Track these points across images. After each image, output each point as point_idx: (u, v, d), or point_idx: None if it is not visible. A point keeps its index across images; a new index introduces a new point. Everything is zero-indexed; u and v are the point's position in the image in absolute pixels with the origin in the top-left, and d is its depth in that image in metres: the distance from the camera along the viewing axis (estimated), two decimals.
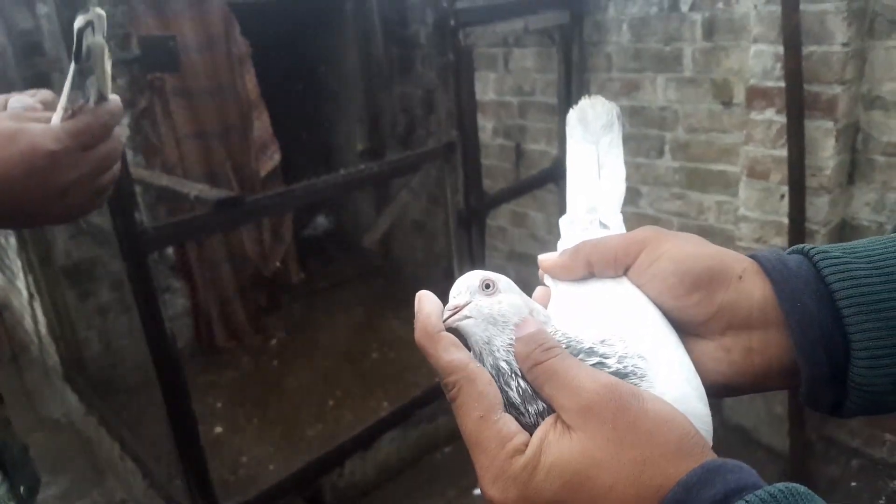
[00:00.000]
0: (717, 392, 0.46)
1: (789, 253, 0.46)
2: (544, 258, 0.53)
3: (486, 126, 3.39)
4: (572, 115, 0.59)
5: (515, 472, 0.38)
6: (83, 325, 3.15)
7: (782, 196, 2.36)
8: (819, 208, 2.31)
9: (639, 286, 0.48)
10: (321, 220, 4.70)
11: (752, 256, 0.46)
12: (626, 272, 0.49)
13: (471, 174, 2.66)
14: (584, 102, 0.59)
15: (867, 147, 2.29)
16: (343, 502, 2.60)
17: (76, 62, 0.62)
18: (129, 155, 2.85)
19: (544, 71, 3.14)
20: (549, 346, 0.41)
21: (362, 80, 3.98)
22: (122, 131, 0.73)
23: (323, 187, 2.39)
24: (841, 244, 0.45)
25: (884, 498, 2.39)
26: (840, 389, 0.43)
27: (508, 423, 0.40)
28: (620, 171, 0.58)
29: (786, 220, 2.35)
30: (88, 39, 0.61)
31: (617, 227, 0.55)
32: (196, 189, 2.41)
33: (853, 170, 2.34)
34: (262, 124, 3.46)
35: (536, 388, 0.41)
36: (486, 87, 3.36)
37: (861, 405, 0.42)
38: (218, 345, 3.53)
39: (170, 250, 3.26)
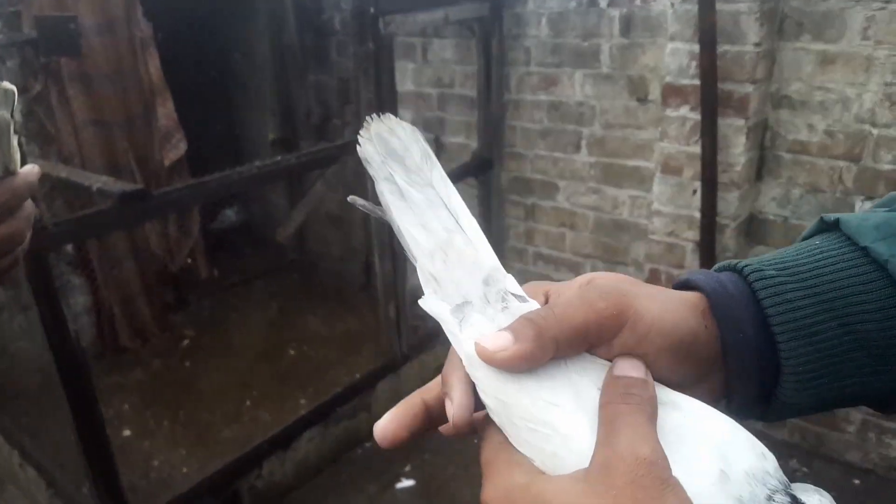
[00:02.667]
0: None
1: (720, 269, 0.45)
2: (487, 346, 0.39)
3: (404, 117, 3.31)
4: (371, 151, 0.44)
5: (510, 484, 0.37)
6: None
7: (694, 191, 2.44)
8: (729, 203, 2.40)
9: None
10: (230, 214, 4.53)
11: (691, 282, 0.44)
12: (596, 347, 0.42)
13: None
14: (378, 128, 0.45)
15: (774, 144, 2.40)
16: None
17: None
18: (23, 143, 2.63)
19: (464, 63, 3.13)
20: (634, 392, 0.38)
21: (274, 67, 3.85)
22: (30, 210, 0.64)
23: (237, 179, 2.29)
24: (769, 257, 0.44)
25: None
26: (766, 402, 0.44)
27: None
28: (469, 215, 0.45)
29: (697, 215, 2.43)
30: None
31: (524, 294, 0.44)
32: (98, 181, 2.25)
33: (761, 166, 2.45)
34: (166, 111, 3.28)
35: (601, 420, 0.37)
36: (405, 78, 3.31)
37: (782, 415, 0.44)
38: (122, 345, 3.34)
39: (69, 245, 3.06)
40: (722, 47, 2.22)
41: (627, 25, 2.62)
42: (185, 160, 3.37)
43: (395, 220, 0.44)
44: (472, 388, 0.40)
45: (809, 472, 2.54)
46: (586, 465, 0.36)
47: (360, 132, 0.45)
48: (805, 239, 0.47)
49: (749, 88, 2.24)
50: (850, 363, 0.41)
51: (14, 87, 0.53)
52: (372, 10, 2.39)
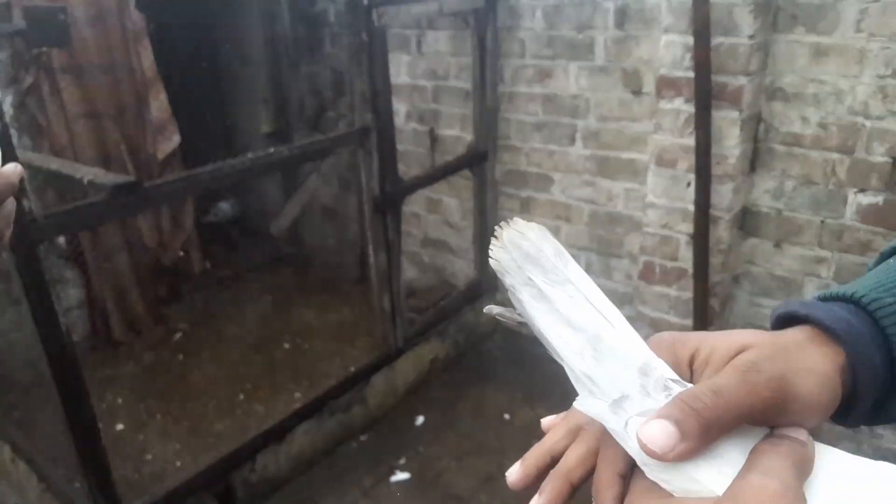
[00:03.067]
0: None
1: (826, 298, 0.45)
2: (655, 449, 0.37)
3: (399, 110, 3.33)
4: (506, 259, 0.44)
5: None
6: None
7: (689, 184, 2.44)
8: (723, 195, 2.40)
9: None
10: (225, 207, 4.51)
11: (824, 327, 0.43)
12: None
13: (386, 159, 2.61)
14: (510, 234, 0.44)
15: (768, 136, 2.40)
16: (256, 497, 2.52)
17: None
18: (14, 136, 2.61)
19: (458, 55, 3.12)
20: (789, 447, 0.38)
21: (267, 59, 3.83)
22: (10, 209, 0.63)
23: (229, 172, 2.28)
24: (876, 282, 0.44)
25: None
26: (873, 416, 0.45)
27: None
28: (611, 306, 0.45)
29: (691, 207, 2.43)
30: None
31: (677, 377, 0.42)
32: (90, 173, 2.24)
33: (755, 158, 2.45)
34: (159, 104, 3.27)
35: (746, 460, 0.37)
36: (399, 70, 3.30)
37: (875, 422, 0.46)
38: (115, 338, 3.33)
39: (61, 238, 3.04)
40: (716, 39, 2.22)
41: (622, 18, 2.61)
42: (178, 152, 3.36)
43: (537, 323, 0.43)
44: (623, 492, 0.40)
45: None
46: None
47: (492, 244, 0.44)
48: (881, 262, 0.48)
49: (743, 80, 2.24)
50: None
51: None
52: (365, 1, 2.38)
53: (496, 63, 2.98)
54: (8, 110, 2.77)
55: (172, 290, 3.69)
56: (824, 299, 0.45)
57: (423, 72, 3.29)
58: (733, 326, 2.68)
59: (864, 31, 2.12)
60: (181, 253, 3.59)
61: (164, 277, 3.63)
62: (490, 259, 0.44)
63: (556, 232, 3.15)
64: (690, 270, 2.52)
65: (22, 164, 2.02)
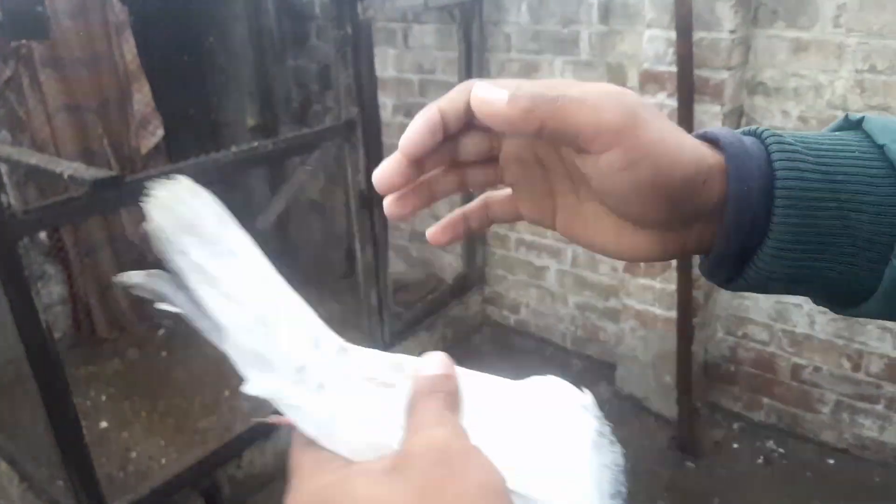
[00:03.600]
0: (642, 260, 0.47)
1: (743, 133, 0.45)
2: (483, 94, 0.40)
3: (386, 103, 3.33)
4: (159, 221, 0.39)
5: (318, 485, 0.38)
6: None
7: None
8: None
9: (594, 178, 0.41)
10: None
11: (713, 138, 0.44)
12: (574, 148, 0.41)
13: (372, 153, 2.61)
14: (163, 197, 0.39)
15: None
16: (243, 494, 2.52)
17: None
18: None
19: (445, 49, 3.12)
20: (436, 389, 0.40)
21: (253, 52, 3.81)
22: None
23: (214, 165, 2.27)
24: (794, 131, 0.45)
25: (762, 457, 2.59)
26: (739, 267, 0.44)
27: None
28: (278, 276, 0.42)
29: None
30: None
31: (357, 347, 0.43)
32: (70, 168, 2.22)
33: None
34: (142, 97, 3.24)
35: (406, 416, 0.39)
36: (386, 64, 3.30)
37: (751, 284, 0.44)
38: (99, 335, 3.31)
39: (42, 234, 3.01)
40: (698, 34, 2.24)
41: (606, 13, 2.63)
42: (162, 146, 3.34)
43: (196, 298, 0.40)
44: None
45: (785, 451, 2.60)
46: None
47: (144, 200, 0.38)
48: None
49: (724, 75, 2.27)
50: (833, 247, 0.42)
51: None
52: None
53: (482, 57, 2.99)
54: None
55: None
56: (742, 133, 0.45)
57: (409, 65, 3.29)
58: (718, 318, 2.72)
59: (842, 27, 2.15)
60: None
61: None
62: (146, 225, 0.39)
63: None
64: (674, 262, 2.55)
65: (1, 157, 1.99)
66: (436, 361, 0.42)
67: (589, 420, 0.42)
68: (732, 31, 2.21)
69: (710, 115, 2.33)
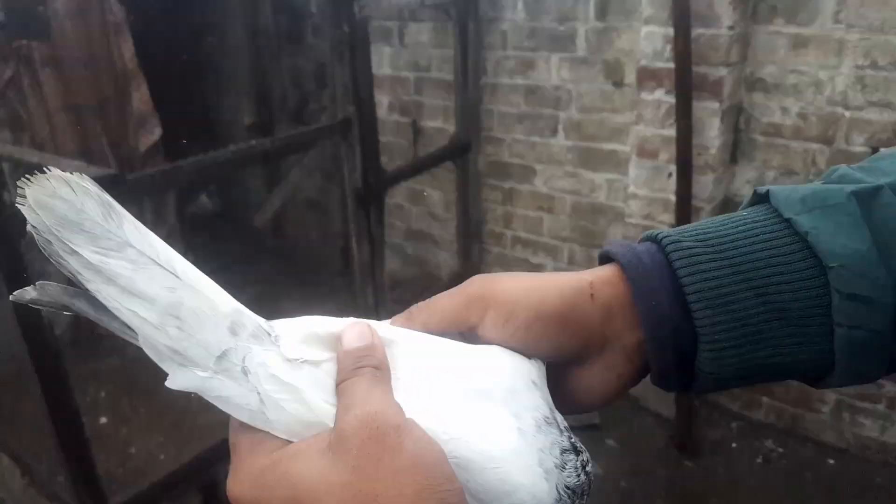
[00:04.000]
0: (612, 402, 0.48)
1: (644, 239, 0.47)
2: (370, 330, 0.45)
3: (381, 101, 3.32)
4: (42, 226, 0.36)
5: (256, 468, 0.38)
6: None
7: (670, 174, 2.45)
8: (704, 186, 2.41)
9: (501, 342, 0.44)
10: (207, 199, 4.48)
11: (607, 253, 0.46)
12: (467, 330, 0.45)
13: (368, 151, 2.59)
14: (36, 194, 0.36)
15: (749, 127, 2.41)
16: None
17: None
18: None
19: (440, 46, 3.11)
20: (361, 364, 0.40)
21: (249, 51, 3.80)
22: None
23: (211, 164, 2.26)
24: (692, 227, 0.45)
25: (761, 456, 2.57)
26: (689, 374, 0.45)
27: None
28: (183, 261, 0.40)
29: (673, 198, 2.44)
30: None
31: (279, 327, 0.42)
32: (70, 166, 2.22)
33: (736, 149, 2.46)
34: (140, 97, 3.23)
35: (338, 396, 0.40)
36: (382, 62, 3.28)
37: (707, 388, 0.45)
38: (98, 332, 3.30)
39: None
40: (696, 30, 2.22)
41: (603, 9, 2.61)
42: (160, 145, 3.33)
43: (97, 300, 0.37)
44: None
45: (785, 451, 2.58)
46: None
47: (18, 200, 0.35)
48: (745, 209, 0.48)
49: (723, 71, 2.25)
50: (769, 333, 0.42)
51: None
52: None
53: (478, 54, 2.97)
54: None
55: None
56: (644, 239, 0.46)
57: (405, 63, 3.28)
58: None
59: (842, 23, 2.13)
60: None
61: None
62: (28, 228, 0.36)
63: (539, 223, 3.16)
64: None
65: (2, 157, 1.99)
66: (357, 334, 0.42)
67: (535, 395, 0.42)
68: (731, 28, 2.19)
69: (708, 112, 2.31)
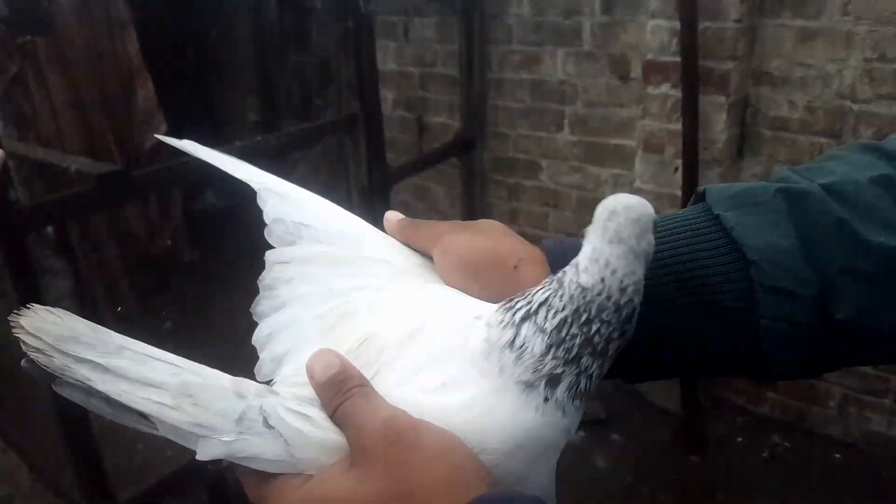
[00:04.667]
0: None
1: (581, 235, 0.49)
2: (391, 215, 0.57)
3: (386, 97, 3.31)
4: (44, 348, 0.40)
5: (293, 499, 0.39)
6: None
7: (676, 169, 2.44)
8: (711, 181, 2.40)
9: (439, 275, 0.51)
10: (212, 196, 4.49)
11: (539, 244, 0.50)
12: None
13: (374, 147, 2.59)
14: (31, 322, 0.40)
15: (755, 121, 2.40)
16: None
17: None
18: (0, 127, 2.59)
19: (445, 42, 3.10)
20: (346, 388, 0.41)
21: (254, 47, 3.80)
22: None
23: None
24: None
25: (767, 451, 2.57)
26: (622, 363, 0.47)
27: None
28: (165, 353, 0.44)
29: (679, 193, 2.44)
30: None
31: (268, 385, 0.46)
32: (76, 162, 2.23)
33: (742, 143, 2.45)
34: (146, 93, 3.24)
35: (339, 425, 0.41)
36: (386, 57, 3.28)
37: (640, 375, 0.48)
38: (106, 328, 3.32)
39: (49, 228, 3.02)
40: (703, 24, 2.21)
41: (609, 3, 2.60)
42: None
43: (109, 397, 0.40)
44: None
45: (791, 446, 2.58)
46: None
47: (16, 332, 0.39)
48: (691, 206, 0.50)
49: (730, 65, 2.24)
50: (694, 325, 0.43)
51: None
52: None
53: (483, 49, 2.96)
54: None
55: (161, 280, 3.68)
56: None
57: (410, 59, 3.27)
58: None
59: (850, 15, 2.12)
60: (169, 242, 3.57)
61: (153, 267, 3.61)
62: (27, 351, 0.39)
63: (544, 218, 3.16)
64: None
65: (8, 153, 1.99)
66: (323, 365, 0.42)
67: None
68: (738, 21, 2.18)
69: (715, 106, 2.30)
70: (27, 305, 0.41)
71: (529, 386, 0.39)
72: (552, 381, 0.39)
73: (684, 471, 2.51)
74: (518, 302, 0.41)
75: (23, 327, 0.40)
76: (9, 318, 0.39)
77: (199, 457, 0.41)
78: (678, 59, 2.27)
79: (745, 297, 0.42)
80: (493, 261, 0.48)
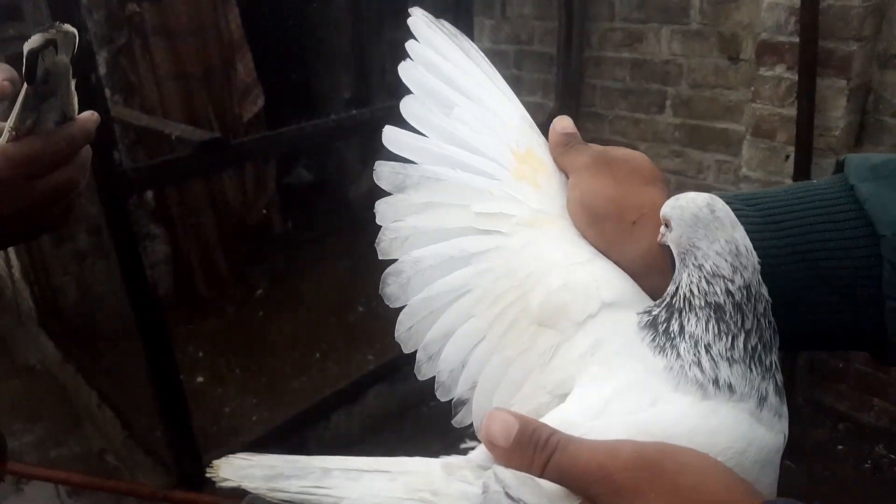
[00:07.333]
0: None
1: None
2: (557, 124, 0.57)
3: None
4: (257, 480, 0.43)
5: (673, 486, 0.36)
6: (59, 270, 3.04)
7: (787, 156, 2.30)
8: (824, 170, 2.25)
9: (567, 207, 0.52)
10: (305, 170, 4.58)
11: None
12: None
13: None
14: (232, 469, 0.43)
15: (878, 108, 2.23)
16: (328, 454, 2.56)
17: (29, 84, 0.52)
18: (107, 93, 2.70)
19: (544, 18, 3.02)
20: (541, 441, 0.39)
21: (351, 23, 3.82)
22: (86, 157, 0.62)
23: (312, 132, 2.29)
24: (759, 191, 0.46)
25: (870, 462, 2.41)
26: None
27: None
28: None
29: (789, 182, 2.29)
30: (48, 60, 0.50)
31: None
32: (178, 129, 2.30)
33: (861, 131, 2.28)
34: (245, 66, 3.32)
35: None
36: (482, 35, 3.22)
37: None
38: (199, 294, 3.44)
39: (149, 195, 3.15)
40: (825, 2, 2.06)
41: None
42: (262, 115, 3.41)
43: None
44: None
45: None
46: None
47: (224, 484, 0.42)
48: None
49: (853, 46, 2.08)
50: (813, 297, 0.41)
51: (75, 30, 0.51)
52: None
53: (583, 26, 2.87)
54: (102, 68, 2.86)
55: (254, 250, 3.79)
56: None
57: (505, 36, 3.20)
58: None
59: None
60: (263, 213, 3.67)
61: (247, 237, 3.72)
62: (248, 491, 0.42)
63: None
64: None
65: (113, 118, 2.07)
66: (501, 431, 0.41)
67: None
68: None
69: (833, 91, 2.15)
70: (219, 462, 0.43)
71: (742, 397, 0.39)
72: (760, 391, 0.39)
73: (779, 478, 2.39)
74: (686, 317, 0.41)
75: (228, 479, 0.42)
76: (206, 474, 0.42)
77: None
78: (795, 39, 2.13)
79: (872, 274, 0.39)
80: (615, 212, 0.48)
